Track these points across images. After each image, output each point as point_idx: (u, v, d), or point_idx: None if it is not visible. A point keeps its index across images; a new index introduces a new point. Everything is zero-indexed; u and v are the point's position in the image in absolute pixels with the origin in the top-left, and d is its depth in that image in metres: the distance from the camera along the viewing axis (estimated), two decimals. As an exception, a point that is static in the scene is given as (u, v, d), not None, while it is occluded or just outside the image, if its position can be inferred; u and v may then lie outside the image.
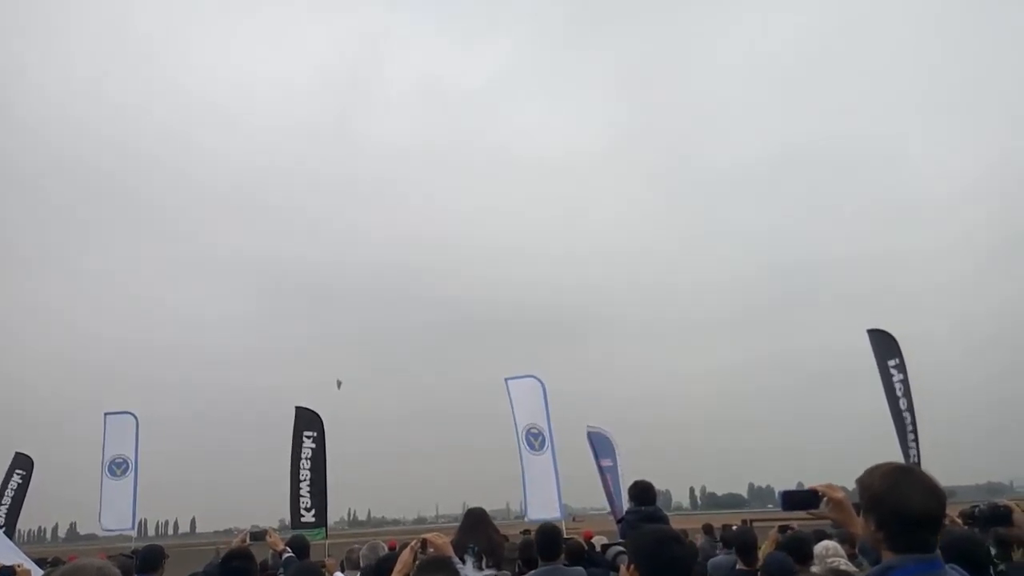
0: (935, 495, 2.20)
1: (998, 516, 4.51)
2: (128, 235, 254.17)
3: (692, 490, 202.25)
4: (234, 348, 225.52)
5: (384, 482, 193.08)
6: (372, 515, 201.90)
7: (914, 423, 13.76)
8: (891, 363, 14.26)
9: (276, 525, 16.58)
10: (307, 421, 16.20)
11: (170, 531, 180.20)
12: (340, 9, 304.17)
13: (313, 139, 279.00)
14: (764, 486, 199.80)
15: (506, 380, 15.90)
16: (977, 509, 4.76)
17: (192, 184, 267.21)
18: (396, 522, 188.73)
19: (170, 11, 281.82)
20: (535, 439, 14.96)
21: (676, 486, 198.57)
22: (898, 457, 13.58)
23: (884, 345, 14.46)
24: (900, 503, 2.18)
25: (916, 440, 13.66)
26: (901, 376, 14.19)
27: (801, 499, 2.66)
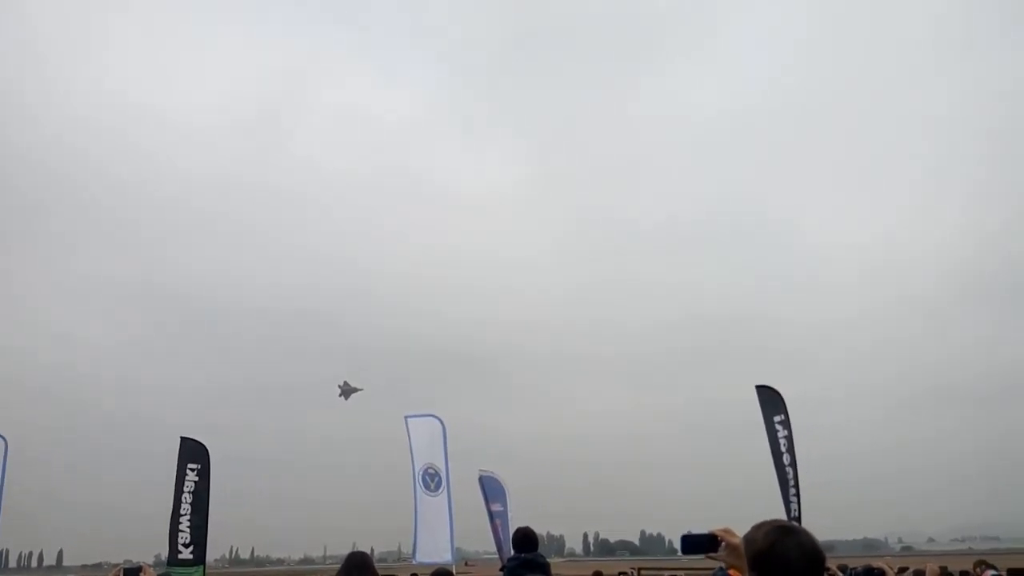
0: (813, 556, 2.35)
1: None
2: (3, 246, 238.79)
3: (586, 536, 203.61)
4: (125, 374, 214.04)
5: (271, 520, 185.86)
6: (256, 554, 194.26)
7: (796, 477, 14.36)
8: (776, 419, 14.89)
9: (151, 561, 15.75)
10: (192, 453, 15.45)
11: (33, 563, 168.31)
12: (262, 35, 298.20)
13: (226, 171, 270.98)
14: (656, 534, 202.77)
15: (406, 418, 15.76)
16: (852, 572, 5.04)
17: (87, 203, 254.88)
18: (280, 561, 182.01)
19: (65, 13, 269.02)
20: (431, 479, 14.84)
21: (570, 531, 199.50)
22: (781, 509, 14.18)
23: (771, 401, 15.10)
24: (780, 561, 2.33)
25: (797, 494, 14.25)
26: (785, 432, 14.81)
27: (700, 543, 2.82)
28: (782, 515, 14.37)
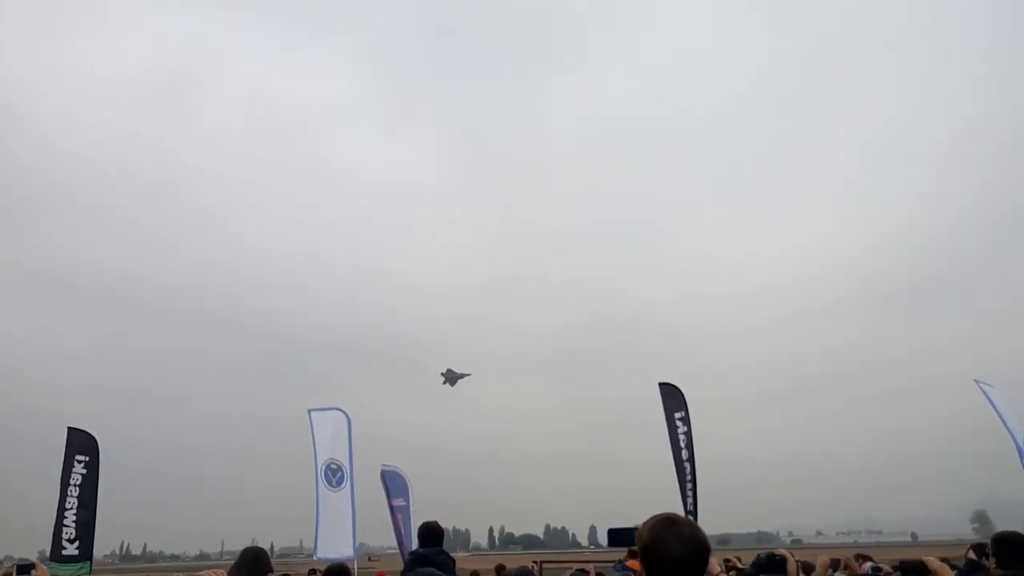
0: (692, 544, 2.43)
1: (774, 564, 5.03)
2: None
3: (491, 530, 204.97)
4: (10, 361, 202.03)
5: (166, 515, 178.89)
6: (148, 549, 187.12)
7: (693, 473, 14.81)
8: (677, 415, 15.33)
9: (35, 557, 14.88)
10: (80, 444, 14.64)
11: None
12: (172, 9, 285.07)
13: (128, 146, 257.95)
14: (560, 528, 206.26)
15: (310, 412, 15.43)
16: (756, 556, 5.23)
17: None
18: (175, 557, 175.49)
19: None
20: (334, 475, 14.59)
21: (476, 525, 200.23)
22: (679, 503, 14.62)
23: (672, 398, 15.54)
24: (661, 552, 2.42)
25: (694, 489, 14.70)
26: (685, 428, 15.27)
27: (625, 537, 2.98)
28: (680, 509, 14.84)
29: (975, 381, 14.35)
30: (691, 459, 15.01)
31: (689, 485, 14.69)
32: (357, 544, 15.17)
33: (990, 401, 13.97)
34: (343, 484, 14.66)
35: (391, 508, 16.72)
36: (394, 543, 18.50)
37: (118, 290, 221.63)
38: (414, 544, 14.77)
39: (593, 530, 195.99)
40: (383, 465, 17.29)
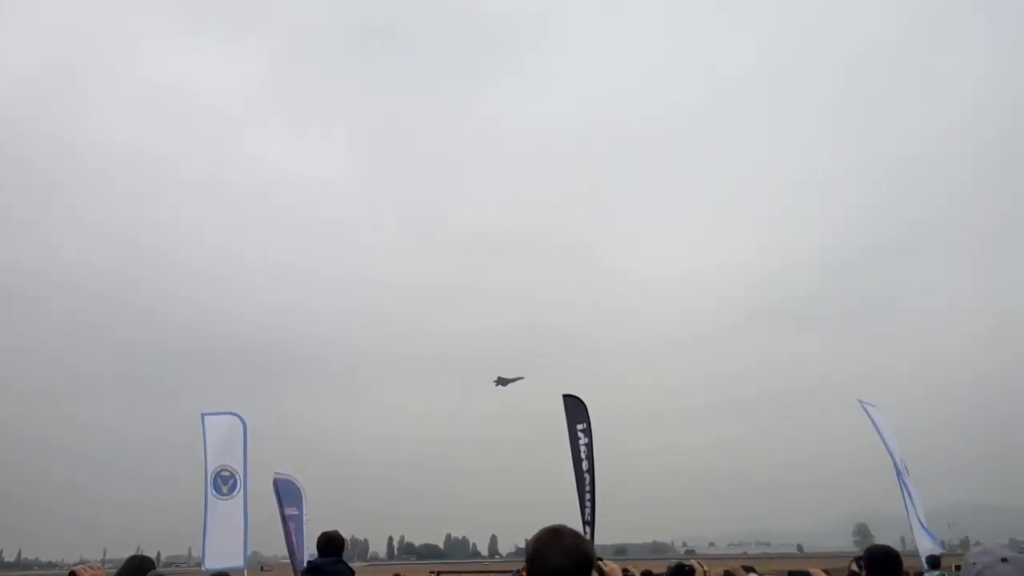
0: (573, 556, 2.46)
1: (683, 575, 5.12)
2: None
3: (390, 539, 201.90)
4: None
5: (43, 520, 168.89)
6: (23, 556, 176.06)
7: (592, 484, 14.97)
8: (579, 427, 15.49)
9: None
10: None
11: None
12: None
13: (24, 135, 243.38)
14: (461, 537, 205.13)
15: (203, 415, 14.83)
16: (667, 567, 5.34)
17: None
18: (52, 565, 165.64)
19: None
20: (225, 482, 14.05)
21: (375, 535, 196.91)
22: (578, 513, 14.76)
23: (576, 410, 15.68)
24: (543, 563, 2.46)
25: (592, 499, 14.86)
26: (586, 440, 15.44)
27: None
28: (579, 519, 15.00)
29: (859, 401, 15.09)
30: (591, 470, 15.18)
31: (588, 496, 14.84)
32: (249, 553, 14.66)
33: (872, 420, 14.70)
34: (236, 491, 14.15)
35: (283, 517, 16.16)
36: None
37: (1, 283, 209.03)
38: (306, 554, 14.40)
39: (494, 540, 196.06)
40: (276, 473, 16.71)
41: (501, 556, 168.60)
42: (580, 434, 15.48)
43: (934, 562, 13.22)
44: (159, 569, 6.36)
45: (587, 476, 15.06)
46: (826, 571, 5.85)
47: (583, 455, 15.30)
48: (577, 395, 15.90)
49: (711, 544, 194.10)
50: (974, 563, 2.79)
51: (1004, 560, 2.72)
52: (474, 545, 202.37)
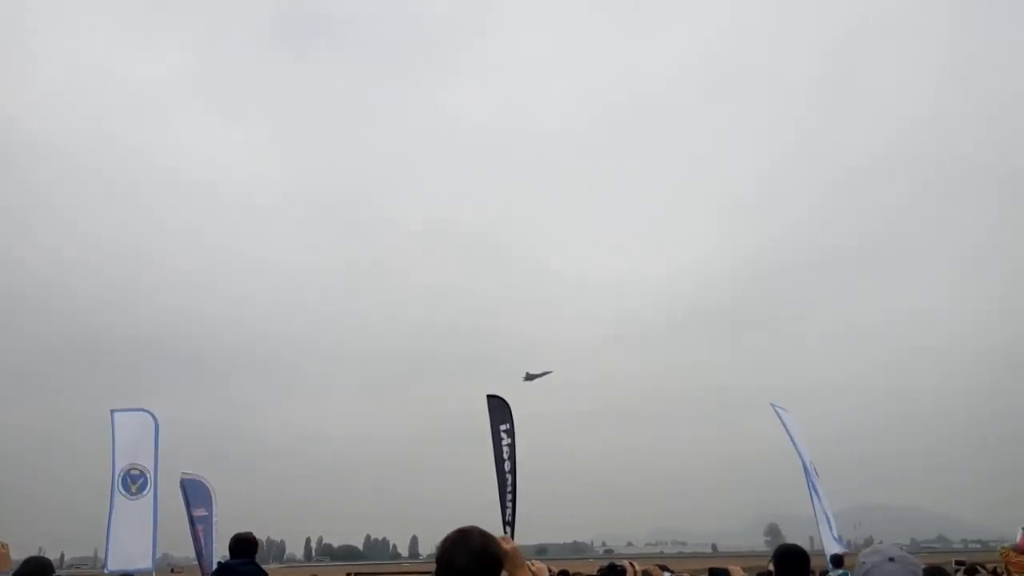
0: (480, 558, 2.52)
1: (615, 574, 5.18)
2: None
3: (308, 540, 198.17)
4: None
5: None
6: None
7: (514, 484, 15.03)
8: (503, 427, 15.51)
9: None
10: None
11: None
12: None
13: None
14: (381, 539, 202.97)
15: (112, 412, 14.26)
16: (599, 568, 5.38)
17: None
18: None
19: None
20: (134, 482, 13.53)
21: (292, 536, 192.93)
22: (498, 515, 14.79)
23: (499, 410, 15.70)
24: (450, 564, 2.51)
25: (514, 500, 14.91)
26: (509, 440, 15.48)
27: None
28: (499, 520, 15.04)
29: (772, 405, 15.59)
30: (513, 471, 15.23)
31: (509, 496, 14.88)
32: (158, 556, 14.15)
33: (783, 423, 15.21)
34: (146, 491, 13.64)
35: (191, 519, 15.64)
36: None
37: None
38: (216, 556, 13.98)
39: (415, 541, 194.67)
40: (183, 473, 16.13)
41: (422, 557, 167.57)
42: (503, 434, 15.52)
43: (838, 561, 13.75)
44: (60, 572, 6.11)
45: (509, 476, 15.11)
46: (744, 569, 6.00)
47: (506, 455, 15.34)
48: (501, 395, 15.94)
49: (629, 544, 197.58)
50: (863, 562, 2.93)
51: (891, 559, 2.86)
52: (394, 546, 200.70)
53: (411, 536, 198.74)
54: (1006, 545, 6.87)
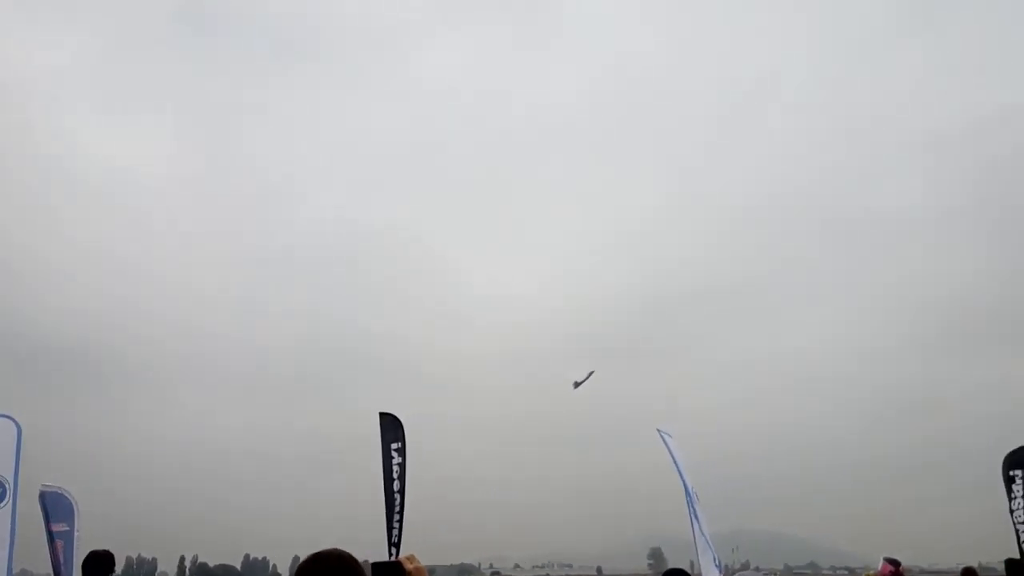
0: None
1: None
2: None
3: (182, 559, 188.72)
4: None
5: None
6: None
7: (402, 504, 14.85)
8: (394, 446, 15.32)
9: None
10: None
11: None
12: None
13: None
14: (261, 558, 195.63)
15: (-32, 418, 13.23)
16: None
17: None
18: None
19: None
20: (-10, 492, 12.58)
21: (165, 554, 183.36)
22: (384, 535, 14.56)
23: (391, 428, 15.50)
24: None
25: (400, 521, 14.73)
26: (400, 459, 15.29)
27: (388, 570, 3.07)
28: (385, 541, 14.78)
29: (657, 430, 16.04)
30: (402, 490, 15.04)
31: (397, 517, 14.68)
32: (15, 571, 13.19)
33: (668, 449, 15.67)
34: (3, 502, 12.70)
35: (50, 533, 14.66)
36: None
37: None
38: (75, 574, 13.13)
39: (296, 561, 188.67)
40: (43, 486, 15.12)
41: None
42: (394, 453, 15.30)
43: (715, 584, 14.24)
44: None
45: (398, 496, 14.91)
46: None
47: (395, 475, 15.12)
48: (393, 413, 15.76)
49: (516, 566, 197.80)
50: None
51: None
52: (275, 566, 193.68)
53: (293, 556, 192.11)
54: (870, 572, 7.32)
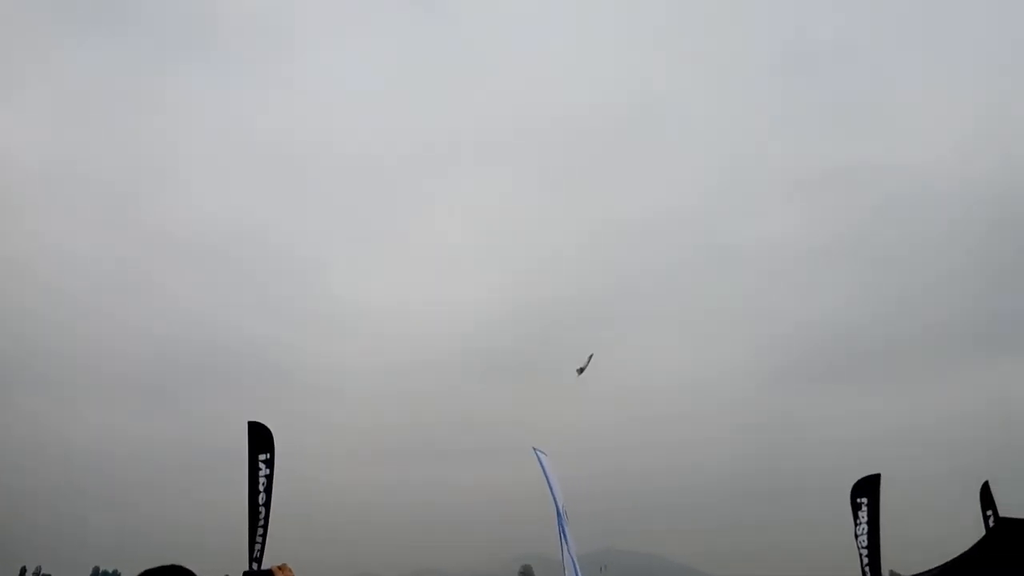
0: None
1: None
2: None
3: (24, 570, 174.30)
4: None
5: None
6: None
7: (267, 518, 14.32)
8: (262, 457, 14.78)
9: None
10: None
11: None
12: None
13: None
14: (111, 571, 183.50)
15: None
16: None
17: None
18: None
19: None
20: None
21: (4, 565, 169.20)
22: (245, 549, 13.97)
23: (260, 438, 14.95)
24: None
25: (264, 534, 14.19)
26: (268, 471, 14.75)
27: None
28: (246, 554, 14.18)
29: (533, 449, 16.20)
30: (267, 503, 14.50)
31: (260, 531, 14.14)
32: None
33: (542, 467, 15.85)
34: None
35: None
36: None
37: None
38: None
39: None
40: None
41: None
42: (262, 464, 14.75)
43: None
44: None
45: (263, 509, 14.36)
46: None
47: (262, 487, 14.57)
48: (263, 423, 15.20)
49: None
50: None
51: None
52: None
53: (145, 569, 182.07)
54: None
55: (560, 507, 15.59)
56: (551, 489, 15.69)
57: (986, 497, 19.81)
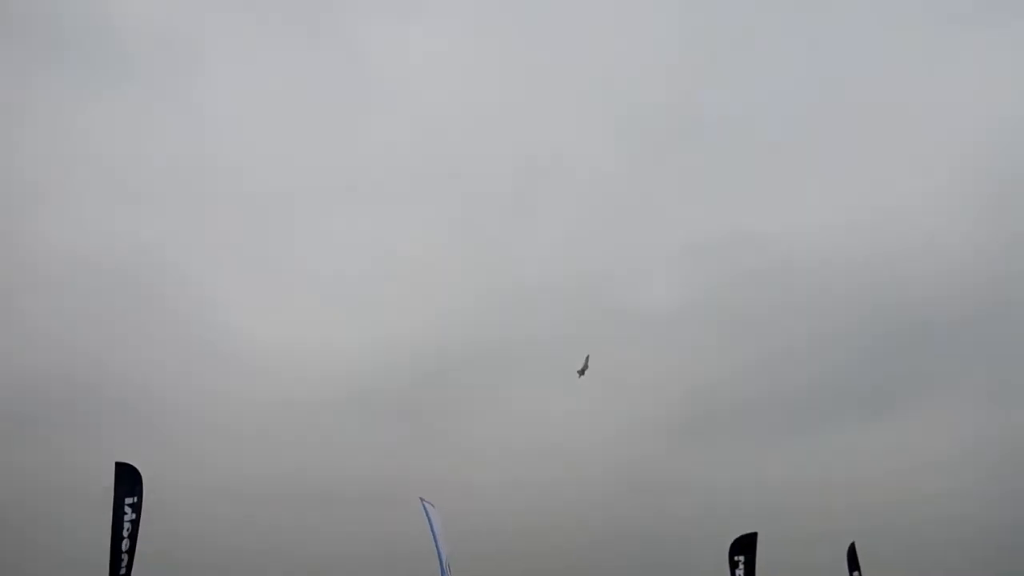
0: None
1: None
2: None
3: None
4: None
5: None
6: None
7: (129, 566, 13.44)
8: (128, 500, 13.85)
9: None
10: None
11: None
12: None
13: None
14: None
15: None
16: None
17: None
18: None
19: None
20: None
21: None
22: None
23: (127, 480, 14.01)
24: None
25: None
26: (134, 516, 13.82)
27: None
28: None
29: (420, 499, 15.92)
30: (131, 551, 13.54)
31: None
32: None
33: (428, 519, 15.58)
34: None
35: None
36: None
37: None
38: None
39: None
40: None
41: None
42: (127, 508, 13.75)
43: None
44: None
45: (125, 557, 13.38)
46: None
47: (126, 532, 13.58)
48: (132, 464, 14.25)
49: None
50: None
51: None
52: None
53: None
54: None
55: (444, 559, 15.36)
56: (435, 541, 15.44)
57: (852, 558, 20.77)
